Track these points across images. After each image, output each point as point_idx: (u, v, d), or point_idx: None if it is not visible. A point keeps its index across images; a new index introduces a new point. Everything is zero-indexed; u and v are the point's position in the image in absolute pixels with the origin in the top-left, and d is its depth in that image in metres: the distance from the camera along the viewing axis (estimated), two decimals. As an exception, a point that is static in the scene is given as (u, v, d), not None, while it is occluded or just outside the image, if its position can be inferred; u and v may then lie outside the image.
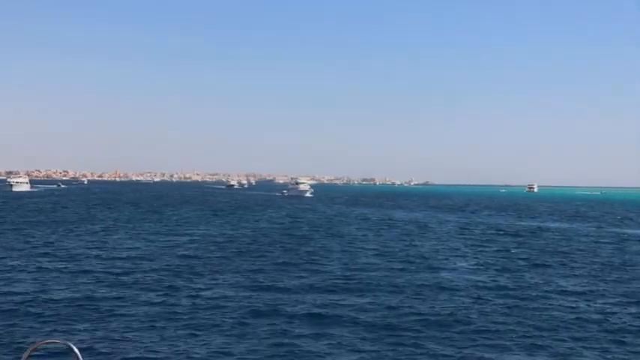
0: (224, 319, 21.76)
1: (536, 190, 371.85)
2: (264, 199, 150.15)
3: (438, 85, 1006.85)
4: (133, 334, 19.62)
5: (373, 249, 44.47)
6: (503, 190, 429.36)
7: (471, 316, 22.97)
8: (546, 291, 28.51)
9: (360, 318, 22.32)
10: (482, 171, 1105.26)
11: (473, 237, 56.35)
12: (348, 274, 32.44)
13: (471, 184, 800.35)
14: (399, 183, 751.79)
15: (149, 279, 29.90)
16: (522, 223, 76.78)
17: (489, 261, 39.19)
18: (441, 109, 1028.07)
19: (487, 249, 46.28)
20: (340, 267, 35.06)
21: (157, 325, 20.86)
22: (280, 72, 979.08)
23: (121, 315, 22.02)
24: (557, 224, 76.27)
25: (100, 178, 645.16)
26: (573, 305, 25.34)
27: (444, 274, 33.20)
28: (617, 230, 67.96)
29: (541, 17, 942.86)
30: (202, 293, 26.32)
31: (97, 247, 42.12)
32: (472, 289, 28.82)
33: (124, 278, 29.76)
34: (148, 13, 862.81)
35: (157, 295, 25.75)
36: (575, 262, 39.38)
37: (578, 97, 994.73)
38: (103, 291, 26.30)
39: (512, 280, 31.90)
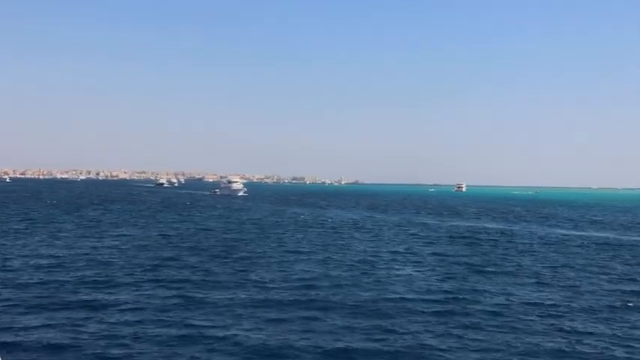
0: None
1: (464, 189, 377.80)
2: (195, 199, 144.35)
3: (366, 86, 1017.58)
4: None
5: (310, 252, 41.11)
6: (432, 190, 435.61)
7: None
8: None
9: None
10: (411, 170, 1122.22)
11: (415, 239, 53.75)
12: (285, 285, 28.89)
13: (401, 183, 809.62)
14: (329, 182, 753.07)
15: (56, 291, 25.66)
16: (464, 224, 75.15)
17: (433, 263, 36.76)
18: (369, 110, 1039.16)
19: (428, 250, 44.03)
20: (277, 276, 31.32)
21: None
22: (210, 70, 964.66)
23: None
24: (502, 225, 74.95)
25: (22, 176, 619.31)
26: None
27: (387, 278, 30.96)
28: (554, 231, 66.96)
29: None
30: (109, 314, 22.16)
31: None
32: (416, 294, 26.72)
33: (23, 293, 25.14)
34: None
35: (60, 313, 21.52)
36: (520, 265, 37.26)
37: (505, 98, 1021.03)
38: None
39: (454, 283, 30.36)
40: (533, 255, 42.99)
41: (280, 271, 32.97)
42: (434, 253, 42.50)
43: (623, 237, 59.37)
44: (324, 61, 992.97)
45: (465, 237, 55.94)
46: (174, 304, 24.00)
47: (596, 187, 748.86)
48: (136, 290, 26.70)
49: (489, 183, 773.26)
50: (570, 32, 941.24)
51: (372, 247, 45.98)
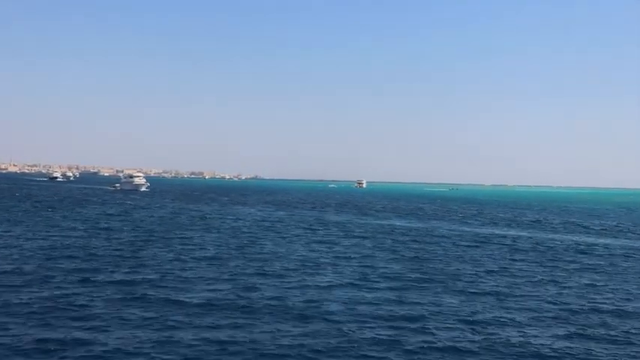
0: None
1: (365, 185, 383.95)
2: (94, 194, 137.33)
3: (271, 80, 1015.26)
4: None
5: (221, 256, 38.34)
6: (333, 185, 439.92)
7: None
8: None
9: None
10: (311, 166, 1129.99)
11: (322, 237, 52.21)
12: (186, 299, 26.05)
13: (301, 179, 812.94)
14: (228, 177, 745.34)
15: None
16: (374, 222, 74.86)
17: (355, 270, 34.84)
18: (272, 104, 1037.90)
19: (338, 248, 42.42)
20: (177, 287, 28.33)
21: None
22: (102, 60, 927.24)
23: None
24: (422, 224, 75.31)
25: None
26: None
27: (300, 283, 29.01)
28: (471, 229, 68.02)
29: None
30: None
31: None
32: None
33: None
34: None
35: None
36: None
37: (409, 94, 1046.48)
38: None
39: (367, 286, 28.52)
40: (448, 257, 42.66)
41: (193, 280, 30.27)
42: (352, 258, 40.86)
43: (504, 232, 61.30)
44: (224, 56, 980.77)
45: (380, 237, 55.29)
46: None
47: (511, 185, 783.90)
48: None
49: (388, 179, 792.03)
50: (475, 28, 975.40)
51: (286, 249, 43.75)
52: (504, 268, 37.46)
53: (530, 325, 22.78)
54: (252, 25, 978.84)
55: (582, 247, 51.48)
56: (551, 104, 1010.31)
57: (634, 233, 68.93)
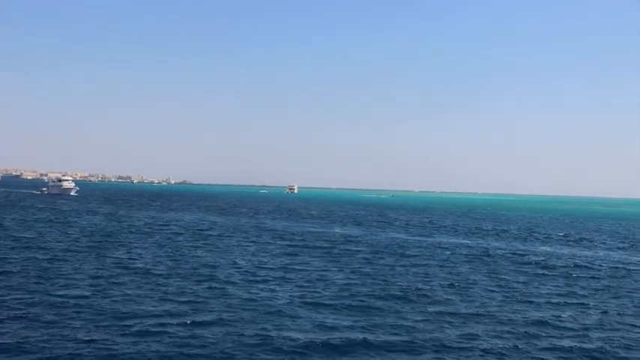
0: None
1: (296, 191, 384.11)
2: (18, 198, 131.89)
3: (201, 82, 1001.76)
4: None
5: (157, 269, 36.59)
6: (264, 191, 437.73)
7: None
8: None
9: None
10: (241, 171, 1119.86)
11: (264, 246, 50.99)
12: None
13: (231, 184, 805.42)
14: (157, 181, 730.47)
15: None
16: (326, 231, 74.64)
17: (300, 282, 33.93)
18: (202, 107, 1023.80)
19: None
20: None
21: None
22: (20, 58, 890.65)
23: None
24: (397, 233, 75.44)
25: None
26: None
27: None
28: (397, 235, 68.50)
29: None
30: None
31: None
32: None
33: None
34: None
35: None
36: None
37: (339, 100, 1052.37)
38: None
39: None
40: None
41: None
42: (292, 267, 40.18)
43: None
44: (152, 57, 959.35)
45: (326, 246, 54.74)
46: None
47: (416, 190, 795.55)
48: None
49: (319, 185, 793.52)
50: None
51: (226, 259, 42.09)
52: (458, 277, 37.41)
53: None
54: (178, 24, 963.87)
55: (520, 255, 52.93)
56: (477, 111, 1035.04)
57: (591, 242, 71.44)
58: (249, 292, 29.90)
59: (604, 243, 69.72)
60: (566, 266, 45.16)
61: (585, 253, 55.62)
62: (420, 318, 25.76)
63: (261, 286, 31.98)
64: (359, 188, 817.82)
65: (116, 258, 40.24)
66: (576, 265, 45.91)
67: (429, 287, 33.30)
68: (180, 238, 55.39)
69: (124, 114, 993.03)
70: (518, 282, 36.47)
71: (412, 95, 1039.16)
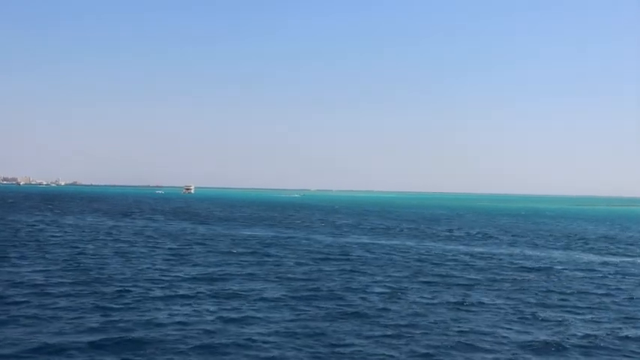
0: None
1: (193, 191, 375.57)
2: None
3: (95, 76, 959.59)
4: None
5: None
6: (160, 192, 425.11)
7: None
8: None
9: None
10: (135, 171, 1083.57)
11: (172, 253, 46.84)
12: None
13: (124, 184, 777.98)
14: (45, 183, 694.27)
15: None
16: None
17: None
18: (91, 102, 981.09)
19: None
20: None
21: None
22: None
23: None
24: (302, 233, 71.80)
25: None
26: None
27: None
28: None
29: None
30: None
31: None
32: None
33: None
34: None
35: None
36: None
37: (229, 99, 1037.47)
38: None
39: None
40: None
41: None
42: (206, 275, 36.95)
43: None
44: (42, 50, 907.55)
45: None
46: None
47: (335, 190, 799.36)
48: None
49: (217, 185, 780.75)
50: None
51: (134, 267, 37.83)
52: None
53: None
54: (82, 23, 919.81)
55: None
56: (383, 111, 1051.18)
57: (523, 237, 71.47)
58: (171, 310, 26.13)
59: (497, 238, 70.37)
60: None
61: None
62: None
63: (181, 302, 28.16)
64: (266, 188, 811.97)
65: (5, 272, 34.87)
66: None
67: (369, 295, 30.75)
68: (80, 246, 49.90)
69: (6, 111, 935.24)
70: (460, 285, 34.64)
71: (309, 96, 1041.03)
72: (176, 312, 25.88)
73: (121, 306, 26.68)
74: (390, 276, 37.82)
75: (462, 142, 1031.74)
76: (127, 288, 30.84)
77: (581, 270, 43.33)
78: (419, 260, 46.59)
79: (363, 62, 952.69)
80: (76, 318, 24.24)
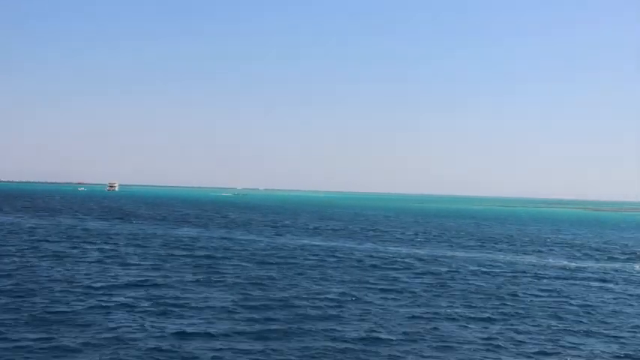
0: None
1: (117, 189, 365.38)
2: None
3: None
4: None
5: None
6: (83, 189, 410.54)
7: None
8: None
9: None
10: (55, 167, 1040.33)
11: (105, 255, 44.05)
12: None
13: (43, 181, 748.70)
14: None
15: None
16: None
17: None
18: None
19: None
20: None
21: None
22: None
23: None
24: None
25: None
26: None
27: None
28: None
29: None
30: None
31: None
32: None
33: None
34: None
35: None
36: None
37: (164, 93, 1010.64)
38: None
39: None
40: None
41: None
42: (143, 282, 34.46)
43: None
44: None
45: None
46: None
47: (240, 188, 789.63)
48: None
49: (142, 182, 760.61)
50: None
51: (64, 270, 34.83)
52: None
53: None
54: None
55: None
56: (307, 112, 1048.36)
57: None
58: (108, 321, 23.77)
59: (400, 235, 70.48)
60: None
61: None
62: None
63: (120, 313, 25.76)
64: (193, 186, 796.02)
65: None
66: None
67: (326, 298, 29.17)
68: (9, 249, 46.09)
69: None
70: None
71: (239, 93, 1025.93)
72: (114, 325, 23.51)
73: (52, 317, 24.13)
74: (340, 281, 36.41)
75: (390, 143, 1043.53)
76: (57, 297, 28.11)
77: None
78: (360, 262, 45.52)
79: (293, 59, 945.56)
80: None
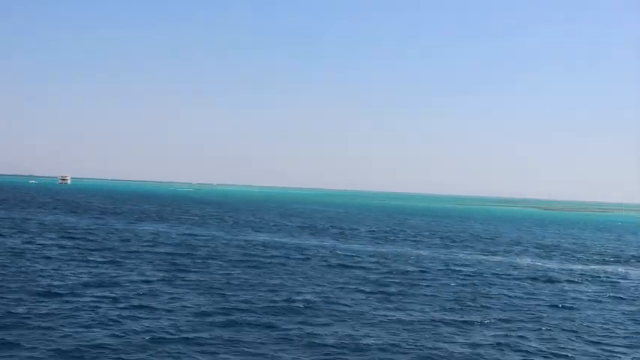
0: None
1: (69, 181, 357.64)
2: None
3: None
4: None
5: None
6: (34, 182, 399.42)
7: None
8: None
9: None
10: (4, 159, 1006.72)
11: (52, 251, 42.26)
12: None
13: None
14: None
15: None
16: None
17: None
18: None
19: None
20: None
21: None
22: None
23: None
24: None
25: None
26: None
27: None
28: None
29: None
30: None
31: None
32: None
33: None
34: None
35: None
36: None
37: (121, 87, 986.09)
38: None
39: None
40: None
41: None
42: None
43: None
44: None
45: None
46: None
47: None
48: None
49: (97, 176, 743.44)
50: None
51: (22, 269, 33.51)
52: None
53: None
54: None
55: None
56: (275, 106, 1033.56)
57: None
58: (71, 326, 22.32)
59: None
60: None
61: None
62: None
63: (84, 317, 24.24)
64: (147, 180, 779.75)
65: None
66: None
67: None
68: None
69: None
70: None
71: (188, 87, 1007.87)
72: (79, 328, 22.09)
73: (7, 321, 22.52)
74: (314, 283, 35.44)
75: (345, 139, 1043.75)
76: (13, 298, 26.35)
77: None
78: (327, 260, 44.70)
79: (249, 53, 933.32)
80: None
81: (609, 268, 49.42)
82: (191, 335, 21.86)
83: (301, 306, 27.72)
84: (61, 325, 22.28)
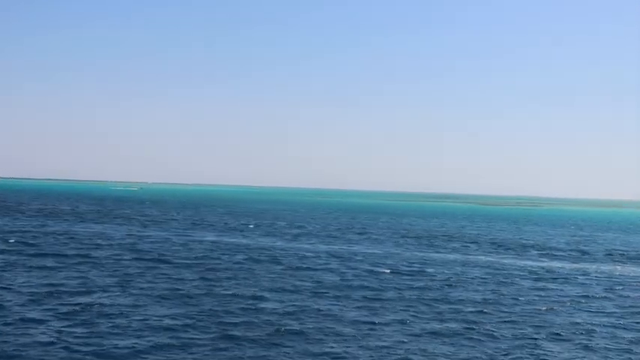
0: None
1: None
2: None
3: None
4: None
5: None
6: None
7: None
8: None
9: None
10: None
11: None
12: None
13: None
14: None
15: None
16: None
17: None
18: None
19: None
20: None
21: None
22: None
23: None
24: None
25: None
26: None
27: None
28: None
29: None
30: None
31: None
32: None
33: None
34: None
35: None
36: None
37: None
38: None
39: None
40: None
41: None
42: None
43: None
44: None
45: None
46: None
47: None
48: None
49: (24, 175, 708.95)
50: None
51: None
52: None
53: None
54: None
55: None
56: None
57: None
58: (23, 337, 20.40)
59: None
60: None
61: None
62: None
63: (35, 332, 22.10)
64: (75, 179, 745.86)
65: None
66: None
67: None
68: None
69: None
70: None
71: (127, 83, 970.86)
72: (32, 345, 20.15)
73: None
74: (270, 289, 33.88)
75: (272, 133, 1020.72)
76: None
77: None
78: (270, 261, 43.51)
79: (187, 48, 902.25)
80: None
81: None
82: (151, 345, 20.38)
83: (259, 306, 26.45)
84: (14, 341, 20.31)
